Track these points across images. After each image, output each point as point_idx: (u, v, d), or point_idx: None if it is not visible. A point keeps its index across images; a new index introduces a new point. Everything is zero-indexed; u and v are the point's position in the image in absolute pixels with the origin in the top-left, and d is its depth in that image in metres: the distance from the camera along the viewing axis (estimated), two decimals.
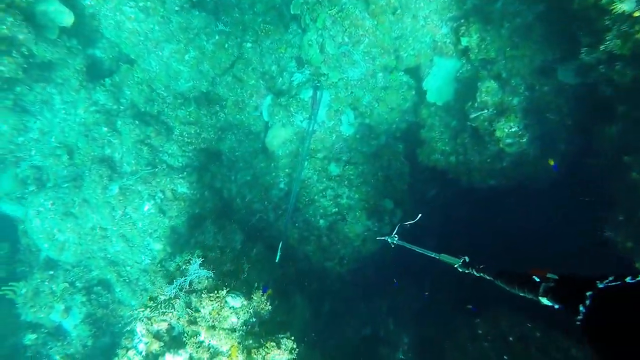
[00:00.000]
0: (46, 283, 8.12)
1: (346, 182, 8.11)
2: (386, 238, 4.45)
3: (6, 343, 8.72)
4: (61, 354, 8.52)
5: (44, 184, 8.83)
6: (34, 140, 9.09)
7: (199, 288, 4.01)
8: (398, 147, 8.69)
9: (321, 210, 8.05)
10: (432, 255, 3.33)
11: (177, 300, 3.88)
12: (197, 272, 3.96)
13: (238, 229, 7.38)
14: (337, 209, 8.06)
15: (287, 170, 8.22)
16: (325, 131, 7.99)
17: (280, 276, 7.69)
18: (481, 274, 2.83)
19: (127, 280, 8.13)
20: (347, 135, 8.15)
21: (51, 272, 8.19)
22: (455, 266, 3.04)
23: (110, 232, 7.78)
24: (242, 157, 8.64)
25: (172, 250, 7.81)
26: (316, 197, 8.06)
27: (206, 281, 4.02)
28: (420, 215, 4.41)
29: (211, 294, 3.81)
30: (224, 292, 3.89)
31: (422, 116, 7.99)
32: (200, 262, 4.08)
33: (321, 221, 8.08)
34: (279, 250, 7.12)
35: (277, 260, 7.09)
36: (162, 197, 7.74)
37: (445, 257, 3.18)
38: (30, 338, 8.65)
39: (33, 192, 8.04)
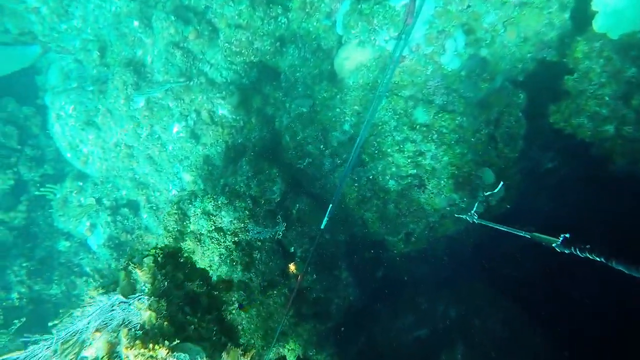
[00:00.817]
0: (74, 194, 7.37)
1: (435, 136, 5.83)
2: (464, 216, 4.19)
3: (44, 244, 8.51)
4: (91, 266, 8.12)
5: (85, 80, 7.78)
6: (77, 30, 7.90)
7: (133, 322, 2.45)
8: (518, 97, 6.10)
9: (394, 169, 5.99)
10: (522, 235, 3.07)
11: (98, 333, 2.40)
12: (121, 309, 2.31)
13: (279, 176, 5.70)
14: (415, 171, 5.94)
15: (356, 107, 6.11)
16: (418, 60, 5.62)
17: (326, 244, 6.06)
18: (587, 254, 2.43)
19: (155, 208, 7.07)
20: (450, 69, 5.69)
21: (80, 184, 7.39)
22: (553, 245, 2.70)
23: (136, 151, 6.57)
24: (303, 80, 6.64)
25: (204, 186, 6.45)
26: (390, 150, 5.95)
27: (146, 315, 2.40)
28: (502, 183, 4.35)
29: (143, 349, 2.19)
30: (164, 351, 2.25)
31: (574, 55, 5.23)
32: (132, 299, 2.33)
33: (391, 183, 6.06)
34: (327, 213, 5.37)
35: (322, 227, 5.38)
36: (196, 118, 6.19)
37: (539, 237, 2.88)
38: (64, 245, 8.32)
39: (56, 92, 6.93)
